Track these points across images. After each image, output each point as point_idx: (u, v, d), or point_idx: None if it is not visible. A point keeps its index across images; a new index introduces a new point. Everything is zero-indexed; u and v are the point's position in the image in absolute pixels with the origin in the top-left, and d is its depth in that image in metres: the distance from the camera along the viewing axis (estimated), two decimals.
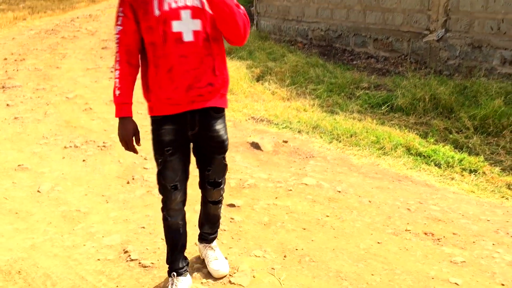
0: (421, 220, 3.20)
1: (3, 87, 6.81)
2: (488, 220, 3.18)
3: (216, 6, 2.06)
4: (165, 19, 2.11)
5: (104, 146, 4.64)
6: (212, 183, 2.47)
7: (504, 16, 6.24)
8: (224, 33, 2.19)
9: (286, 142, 4.79)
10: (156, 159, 2.37)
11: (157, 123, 2.30)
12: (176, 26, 2.12)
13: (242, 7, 2.16)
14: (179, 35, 2.13)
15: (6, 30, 12.70)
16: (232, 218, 3.27)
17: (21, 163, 4.23)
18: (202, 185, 2.52)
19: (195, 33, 2.15)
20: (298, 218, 3.27)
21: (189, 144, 2.39)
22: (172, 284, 2.47)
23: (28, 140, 4.83)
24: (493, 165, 4.08)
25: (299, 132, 5.11)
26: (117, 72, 2.21)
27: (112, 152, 4.52)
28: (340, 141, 4.77)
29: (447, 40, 7.00)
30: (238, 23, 2.11)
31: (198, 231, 2.77)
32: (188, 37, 2.14)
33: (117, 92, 2.22)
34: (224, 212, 3.31)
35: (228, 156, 4.36)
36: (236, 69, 7.12)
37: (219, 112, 2.34)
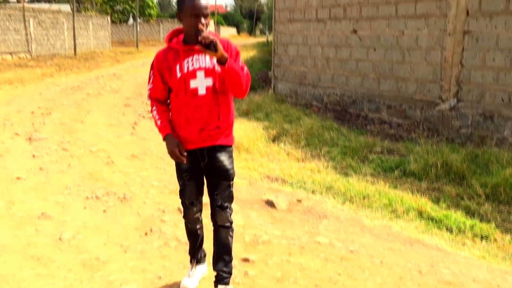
0: (432, 282, 3.24)
1: (30, 138, 7.12)
2: (498, 286, 3.21)
3: (227, 73, 2.65)
4: (185, 79, 2.74)
5: (124, 198, 4.80)
6: (220, 206, 2.89)
7: None
8: (230, 90, 2.78)
9: (300, 201, 4.91)
10: (178, 182, 2.99)
11: None
12: (193, 83, 2.74)
13: (245, 67, 2.74)
14: (195, 90, 2.75)
15: (34, 85, 13.31)
16: (246, 272, 3.35)
17: (45, 211, 4.40)
18: (212, 210, 2.94)
19: (207, 88, 2.75)
20: (311, 275, 3.34)
21: (202, 173, 2.95)
22: (192, 267, 3.19)
23: (52, 190, 5.02)
24: (504, 232, 4.13)
25: (313, 192, 5.23)
26: (155, 111, 2.88)
27: (132, 204, 4.67)
28: (353, 203, 4.88)
29: (459, 110, 7.22)
30: (242, 83, 2.71)
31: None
32: (202, 91, 2.75)
33: (158, 122, 2.85)
34: (238, 266, 3.40)
35: (243, 212, 4.52)
36: (253, 130, 7.37)
37: (224, 148, 2.88)
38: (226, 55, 2.58)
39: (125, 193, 4.91)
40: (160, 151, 6.58)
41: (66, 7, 34.26)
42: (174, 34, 2.86)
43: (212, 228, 2.98)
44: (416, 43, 7.92)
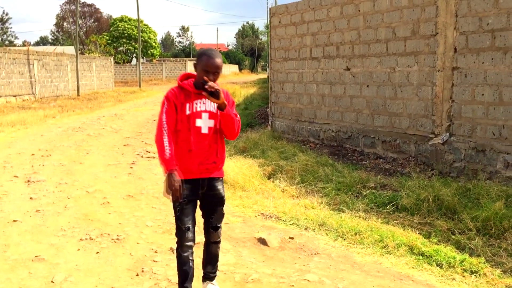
0: None
1: (28, 181, 7.22)
2: None
3: (225, 118, 3.21)
4: (190, 117, 3.21)
5: (118, 239, 4.85)
6: (214, 227, 3.42)
7: (505, 122, 6.58)
8: (224, 132, 3.31)
9: (292, 238, 4.95)
10: (174, 208, 3.27)
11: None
12: (198, 122, 3.22)
13: (238, 115, 3.29)
14: (199, 128, 3.22)
15: (36, 127, 13.54)
16: None
17: (38, 254, 4.45)
18: (206, 230, 3.44)
19: (209, 128, 3.24)
20: None
21: (197, 201, 3.34)
22: None
23: (47, 232, 5.08)
24: (494, 266, 4.15)
25: (305, 229, 5.28)
26: (165, 139, 3.14)
27: (125, 245, 4.72)
28: (345, 239, 4.91)
29: (452, 144, 7.31)
30: (235, 127, 3.26)
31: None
32: (204, 130, 3.23)
33: (167, 152, 3.11)
34: None
35: (235, 251, 4.56)
36: (249, 167, 7.45)
37: (218, 179, 3.36)
38: (226, 102, 3.15)
39: (119, 234, 4.97)
40: (156, 190, 6.66)
41: (70, 49, 35.09)
42: (185, 77, 3.35)
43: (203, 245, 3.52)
44: (407, 79, 8.09)
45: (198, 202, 3.38)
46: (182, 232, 3.24)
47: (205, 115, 3.20)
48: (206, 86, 3.05)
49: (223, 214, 3.45)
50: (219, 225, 3.43)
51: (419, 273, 4.09)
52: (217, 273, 3.72)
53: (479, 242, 4.59)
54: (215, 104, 3.19)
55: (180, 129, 3.20)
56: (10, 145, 10.53)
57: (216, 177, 3.32)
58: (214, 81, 3.11)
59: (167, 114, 3.17)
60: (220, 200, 3.38)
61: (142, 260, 4.35)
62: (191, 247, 3.27)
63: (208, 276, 3.54)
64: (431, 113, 7.68)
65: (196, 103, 3.20)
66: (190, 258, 3.26)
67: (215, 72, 3.14)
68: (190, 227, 3.25)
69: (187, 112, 3.18)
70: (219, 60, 3.15)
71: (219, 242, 3.49)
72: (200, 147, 3.21)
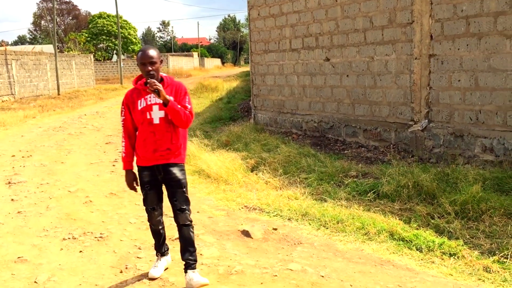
0: None
1: (9, 182, 7.15)
2: None
3: (169, 112, 3.52)
4: (143, 111, 3.60)
5: (101, 237, 4.85)
6: (179, 209, 3.64)
7: (481, 107, 6.70)
8: (174, 123, 3.58)
9: (275, 229, 5.00)
10: (142, 191, 3.75)
11: (139, 169, 3.74)
12: (149, 114, 3.59)
13: (189, 106, 3.60)
14: (151, 120, 3.59)
15: (16, 128, 13.36)
16: None
17: (21, 255, 4.42)
18: (174, 214, 3.68)
19: (160, 119, 3.58)
20: None
21: (161, 184, 3.74)
22: (157, 260, 3.95)
23: (29, 233, 5.05)
24: (472, 248, 4.24)
25: (289, 219, 5.33)
26: (123, 143, 3.75)
27: (108, 242, 4.72)
28: (327, 228, 4.98)
29: (431, 130, 7.41)
30: (182, 119, 3.54)
31: None
32: (156, 121, 3.58)
33: (123, 155, 3.74)
34: None
35: (219, 244, 4.59)
36: (232, 160, 7.47)
37: (176, 164, 3.64)
38: (168, 98, 3.48)
39: (102, 232, 4.96)
40: (139, 188, 6.63)
41: (49, 48, 34.56)
42: (139, 78, 3.70)
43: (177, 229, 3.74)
44: (386, 68, 8.17)
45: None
46: (149, 212, 3.82)
47: (155, 107, 3.56)
48: (147, 86, 3.43)
49: (186, 197, 3.65)
50: (183, 207, 3.63)
51: (400, 258, 4.17)
52: (202, 267, 3.79)
53: (457, 225, 4.68)
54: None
55: (136, 123, 3.66)
56: None
57: (171, 162, 3.61)
58: (154, 70, 3.49)
59: (124, 117, 3.71)
60: (177, 183, 3.62)
61: (126, 257, 4.35)
62: (159, 221, 3.86)
63: (188, 264, 3.67)
64: (410, 100, 7.77)
65: (147, 98, 3.59)
66: (160, 227, 3.90)
67: (150, 62, 3.48)
68: (155, 207, 3.77)
69: (139, 107, 3.59)
70: (151, 50, 3.51)
71: (189, 225, 3.67)
72: (153, 136, 3.58)
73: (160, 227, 3.89)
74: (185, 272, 3.67)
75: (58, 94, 25.30)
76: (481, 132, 6.73)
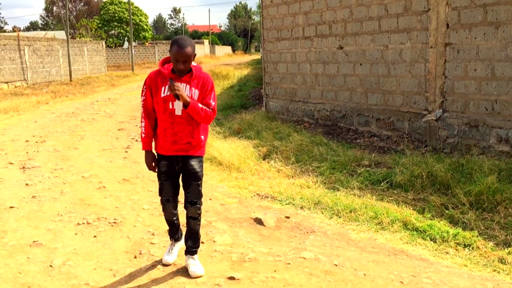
0: None
1: (23, 167, 7.22)
2: None
3: (189, 112, 3.42)
4: (166, 99, 3.45)
5: (115, 222, 4.88)
6: (190, 202, 3.61)
7: (497, 97, 6.61)
8: (194, 119, 3.48)
9: (288, 217, 5.00)
10: (158, 181, 3.69)
11: (158, 157, 3.65)
12: (172, 104, 3.45)
13: (213, 103, 3.50)
14: (173, 110, 3.45)
15: (29, 113, 13.46)
16: None
17: (36, 239, 4.47)
18: (185, 204, 3.64)
19: (183, 111, 3.43)
20: None
21: (177, 176, 3.65)
22: (171, 245, 3.95)
23: (43, 218, 5.10)
24: (487, 239, 4.21)
25: (301, 208, 5.32)
26: (143, 123, 3.62)
27: (122, 228, 4.75)
28: (340, 217, 4.96)
29: (445, 120, 7.34)
30: (202, 117, 3.46)
31: None
32: (178, 112, 3.45)
33: (143, 135, 3.62)
34: (224, 285, 3.49)
35: (232, 231, 4.60)
36: (244, 148, 7.47)
37: (195, 157, 3.56)
38: (188, 101, 3.36)
39: (115, 218, 5.00)
40: (152, 174, 6.63)
41: (61, 34, 34.67)
42: (166, 60, 3.54)
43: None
44: (400, 56, 8.08)
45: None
46: (163, 204, 3.75)
47: None
48: (170, 89, 3.34)
49: (199, 190, 3.60)
50: (195, 200, 3.59)
51: (413, 248, 4.15)
52: (215, 254, 3.80)
53: (472, 216, 4.65)
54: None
55: (157, 110, 3.51)
56: (4, 132, 10.48)
57: (191, 155, 3.53)
58: (185, 68, 3.36)
59: (145, 96, 3.55)
60: (194, 176, 3.56)
61: (140, 242, 4.38)
62: (172, 213, 3.78)
63: (189, 250, 3.74)
64: (424, 89, 7.69)
65: None
66: (174, 218, 3.82)
67: (184, 61, 3.34)
68: (170, 199, 3.69)
69: (162, 94, 3.43)
70: (188, 49, 3.31)
71: (197, 219, 3.66)
72: (174, 128, 3.47)
73: (174, 218, 3.85)
74: (185, 254, 3.78)
75: (70, 80, 25.41)
76: (496, 122, 6.65)
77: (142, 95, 3.59)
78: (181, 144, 3.50)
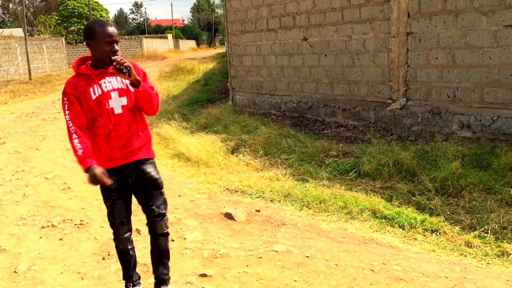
0: (384, 280, 3.36)
1: None
2: (446, 277, 3.35)
3: (141, 94, 2.90)
4: (100, 100, 2.88)
5: (81, 224, 4.76)
6: (158, 215, 3.04)
7: (458, 84, 6.75)
8: (143, 109, 3.00)
9: (258, 211, 4.98)
10: (105, 203, 3.07)
11: None
12: (108, 104, 2.90)
13: (154, 87, 2.99)
14: (111, 110, 2.90)
15: None
16: None
17: None
18: (149, 221, 3.08)
19: (123, 107, 2.94)
20: (268, 284, 3.40)
21: (130, 191, 3.08)
22: None
23: (6, 222, 4.92)
24: (453, 224, 4.30)
25: (271, 201, 5.32)
26: (76, 140, 2.82)
27: (89, 229, 4.64)
28: (310, 208, 4.98)
29: (409, 108, 7.46)
30: (154, 102, 2.96)
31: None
32: (118, 110, 2.92)
33: (79, 152, 2.80)
34: (196, 282, 3.44)
35: (202, 227, 4.55)
36: (211, 143, 7.40)
37: (147, 160, 3.05)
38: (139, 78, 2.87)
39: (82, 219, 4.87)
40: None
41: (18, 31, 33.50)
42: (81, 62, 3.01)
43: (150, 239, 3.14)
44: (364, 46, 8.15)
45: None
46: (117, 227, 3.11)
47: (114, 94, 2.90)
48: (114, 63, 2.78)
49: (164, 199, 3.09)
50: (162, 212, 3.04)
51: (383, 236, 4.21)
52: (186, 251, 3.72)
53: (438, 202, 4.74)
54: (124, 80, 2.91)
55: (93, 117, 2.90)
56: None
57: (143, 158, 3.02)
58: (117, 51, 2.86)
59: (70, 111, 2.85)
60: (154, 184, 3.04)
61: (108, 243, 4.28)
62: (127, 239, 3.15)
63: (163, 280, 3.14)
64: (388, 79, 7.79)
65: (101, 84, 2.89)
66: (129, 247, 3.17)
67: (116, 40, 2.85)
68: (124, 221, 3.09)
69: (93, 96, 2.86)
70: (114, 28, 2.89)
71: (167, 234, 3.11)
72: (118, 130, 2.92)
73: (129, 247, 3.18)
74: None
75: (30, 78, 24.64)
76: (458, 109, 6.80)
77: (65, 110, 2.87)
78: (130, 147, 2.97)
